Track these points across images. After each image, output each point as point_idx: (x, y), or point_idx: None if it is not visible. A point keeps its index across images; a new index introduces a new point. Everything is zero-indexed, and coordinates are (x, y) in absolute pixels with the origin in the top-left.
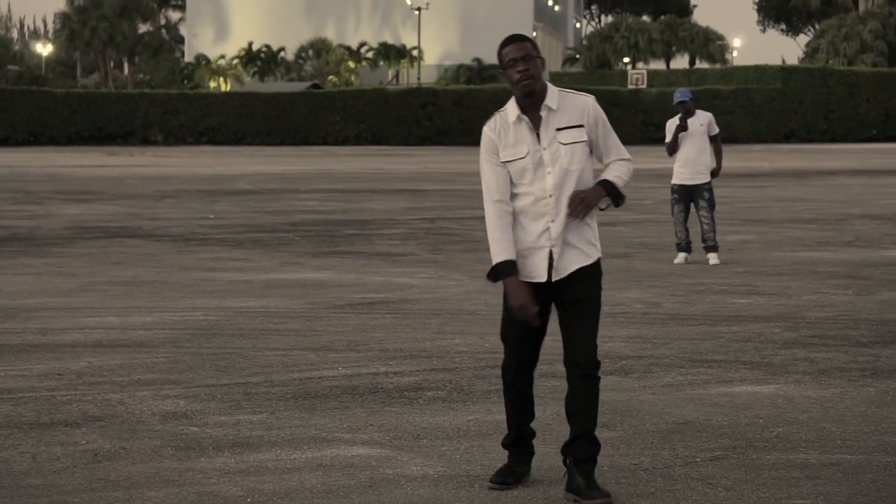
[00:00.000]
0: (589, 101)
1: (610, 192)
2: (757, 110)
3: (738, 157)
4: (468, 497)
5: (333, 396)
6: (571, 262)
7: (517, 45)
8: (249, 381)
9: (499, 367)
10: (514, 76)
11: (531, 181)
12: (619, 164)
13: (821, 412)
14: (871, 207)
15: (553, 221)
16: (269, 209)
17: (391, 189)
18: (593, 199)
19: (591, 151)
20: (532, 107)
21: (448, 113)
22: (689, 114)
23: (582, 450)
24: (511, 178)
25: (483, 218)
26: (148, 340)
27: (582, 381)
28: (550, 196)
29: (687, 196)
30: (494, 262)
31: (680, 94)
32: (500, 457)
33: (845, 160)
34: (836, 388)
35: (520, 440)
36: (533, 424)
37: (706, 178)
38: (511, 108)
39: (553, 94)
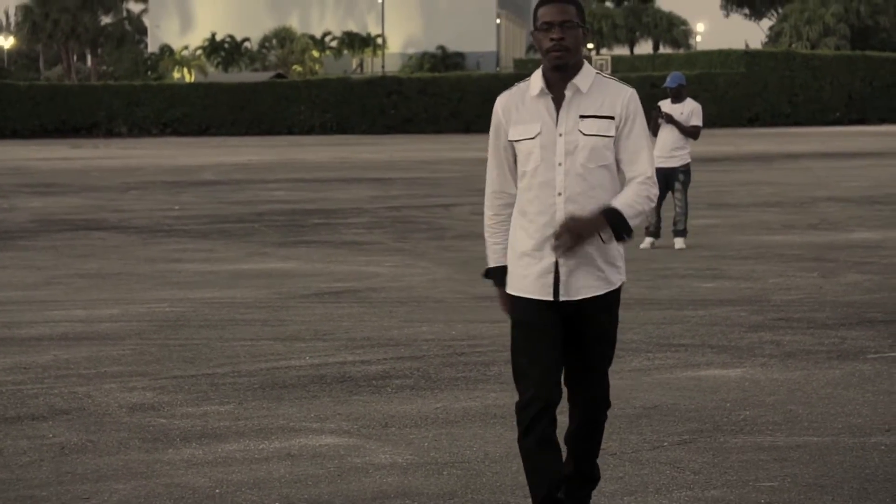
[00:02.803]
0: (628, 92)
1: (614, 223)
2: (721, 95)
3: (703, 142)
4: (437, 484)
5: (301, 386)
6: (586, 285)
7: (557, 7)
8: (216, 372)
9: (467, 354)
10: (546, 43)
11: (537, 170)
12: (637, 188)
13: (787, 395)
14: (836, 190)
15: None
16: (235, 200)
17: (357, 178)
18: (588, 230)
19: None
20: (560, 83)
21: (413, 101)
22: (679, 98)
23: (576, 487)
24: (516, 164)
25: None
26: (114, 333)
27: (586, 423)
28: (560, 194)
29: (663, 179)
30: (488, 265)
31: (670, 80)
32: (468, 444)
33: (809, 143)
34: (802, 370)
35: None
36: None
37: (683, 161)
38: (535, 80)
39: (587, 75)
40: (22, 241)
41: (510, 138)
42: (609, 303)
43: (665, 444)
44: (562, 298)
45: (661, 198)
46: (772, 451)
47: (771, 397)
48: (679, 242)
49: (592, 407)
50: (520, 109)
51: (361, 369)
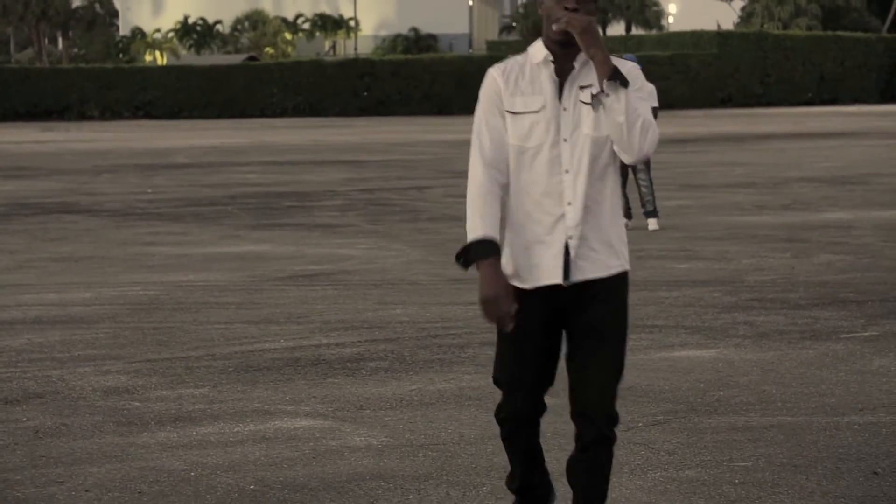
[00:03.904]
0: (629, 64)
1: (618, 74)
2: (693, 76)
3: (676, 123)
4: (412, 466)
5: (275, 369)
6: (587, 268)
7: None
8: (191, 356)
9: (441, 336)
10: (557, 12)
11: (541, 147)
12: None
13: (761, 375)
14: (808, 170)
15: (570, 204)
16: (208, 182)
17: (330, 160)
18: (596, 34)
19: None
20: (565, 56)
21: (386, 83)
22: None
23: None
24: (510, 143)
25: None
26: (88, 316)
27: (593, 445)
28: (567, 171)
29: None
30: (468, 240)
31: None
32: (444, 426)
33: (782, 124)
34: (775, 350)
35: (528, 491)
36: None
37: None
38: (536, 50)
39: None
40: None
41: (508, 108)
42: (614, 287)
43: (640, 424)
44: (573, 280)
45: (625, 179)
46: (746, 432)
47: (745, 378)
48: (652, 223)
49: (596, 421)
50: (519, 81)
51: (336, 352)
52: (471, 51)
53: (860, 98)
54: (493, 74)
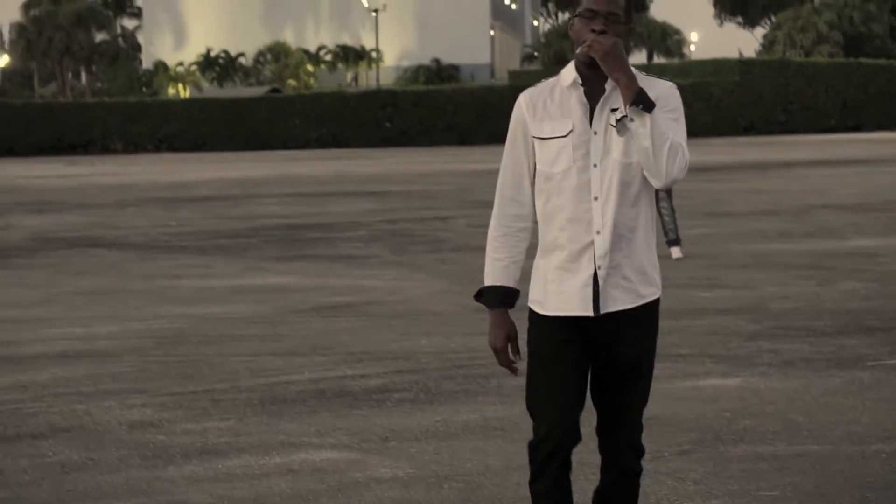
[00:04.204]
0: (665, 85)
1: (643, 98)
2: (716, 104)
3: (699, 151)
4: (438, 498)
5: (300, 401)
6: (619, 297)
7: None
8: (216, 388)
9: (466, 367)
10: (585, 34)
11: (568, 171)
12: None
13: (787, 403)
14: (832, 197)
15: (599, 233)
16: (231, 215)
17: (353, 191)
18: (620, 54)
19: None
20: (595, 79)
21: (408, 114)
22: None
23: None
24: (538, 169)
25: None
26: (113, 350)
27: (619, 478)
28: (596, 198)
29: None
30: (484, 283)
31: None
32: (469, 456)
33: (805, 151)
34: (801, 378)
35: None
36: None
37: None
38: (567, 72)
39: None
40: (18, 259)
41: (536, 134)
42: (643, 319)
43: (665, 454)
44: (602, 311)
45: None
46: (772, 461)
47: (770, 406)
48: (676, 252)
49: (623, 454)
50: (548, 105)
51: (361, 383)
52: (493, 80)
53: (883, 125)
54: (521, 102)
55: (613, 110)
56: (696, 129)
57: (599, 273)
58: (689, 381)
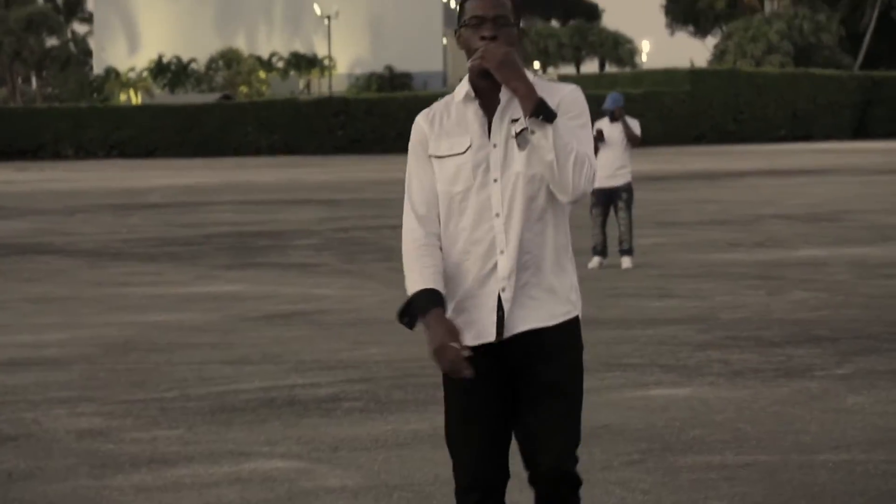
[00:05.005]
0: (567, 89)
1: (543, 108)
2: (667, 113)
3: (650, 160)
4: None
5: (250, 410)
6: (527, 317)
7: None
8: (165, 397)
9: (417, 376)
10: (475, 42)
11: (468, 191)
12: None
13: (736, 413)
14: (782, 207)
15: (502, 253)
16: (182, 222)
17: (304, 199)
18: (512, 61)
19: None
20: (491, 89)
21: (360, 122)
22: (616, 119)
23: None
24: (439, 189)
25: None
26: (62, 357)
27: None
28: (498, 215)
29: (606, 199)
30: (409, 295)
31: (610, 102)
32: (418, 466)
33: (755, 161)
34: (750, 388)
35: None
36: None
37: (625, 180)
38: (461, 87)
39: None
40: None
41: (433, 153)
42: (560, 338)
43: (615, 464)
44: (506, 335)
45: (605, 217)
46: (721, 470)
47: (719, 416)
48: (626, 262)
49: (554, 486)
50: (444, 122)
51: (311, 392)
52: (445, 88)
53: (833, 135)
54: (419, 121)
55: (514, 121)
56: (648, 138)
57: (503, 295)
58: (638, 390)
